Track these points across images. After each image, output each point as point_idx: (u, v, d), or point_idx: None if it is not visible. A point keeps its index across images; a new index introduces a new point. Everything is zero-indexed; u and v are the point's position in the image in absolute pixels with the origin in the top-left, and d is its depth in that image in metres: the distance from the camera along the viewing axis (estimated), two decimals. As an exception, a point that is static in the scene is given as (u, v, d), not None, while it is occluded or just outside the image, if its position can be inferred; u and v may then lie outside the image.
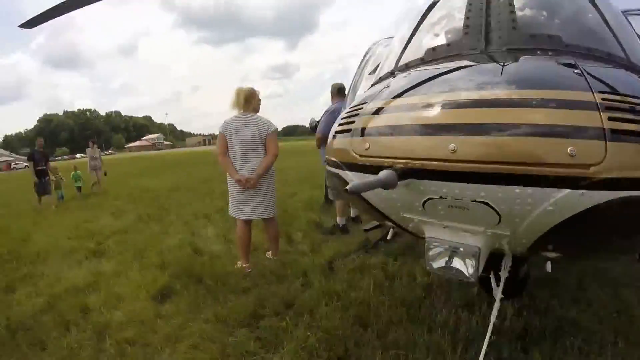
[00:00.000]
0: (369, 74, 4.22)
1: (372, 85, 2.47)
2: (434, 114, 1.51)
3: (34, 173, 10.49)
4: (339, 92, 5.57)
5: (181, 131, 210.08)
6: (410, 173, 1.48)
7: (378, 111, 1.75)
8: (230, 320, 3.25)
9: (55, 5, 3.84)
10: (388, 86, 1.93)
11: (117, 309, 3.67)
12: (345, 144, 1.81)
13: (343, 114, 2.12)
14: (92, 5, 3.99)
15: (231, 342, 2.93)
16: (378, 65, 3.98)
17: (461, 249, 1.63)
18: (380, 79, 2.39)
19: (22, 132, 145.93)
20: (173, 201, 9.94)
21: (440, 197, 1.50)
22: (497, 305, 2.21)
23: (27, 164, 11.39)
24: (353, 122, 1.83)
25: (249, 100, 4.15)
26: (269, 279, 4.03)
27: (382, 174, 1.42)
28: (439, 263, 1.71)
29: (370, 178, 1.52)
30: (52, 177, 11.00)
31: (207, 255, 4.92)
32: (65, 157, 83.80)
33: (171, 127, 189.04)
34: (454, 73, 1.76)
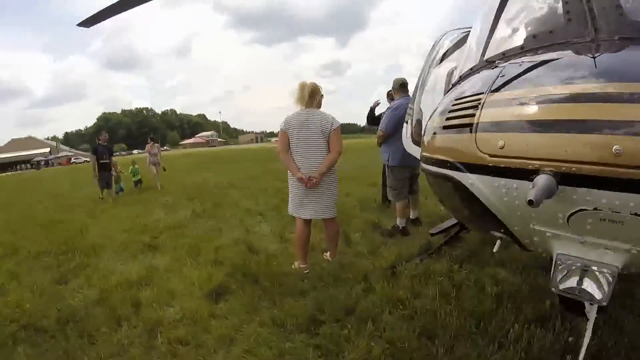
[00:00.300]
0: (437, 66, 3.96)
1: (462, 77, 2.15)
2: (588, 108, 1.24)
3: (97, 167, 10.66)
4: (401, 87, 5.30)
5: (234, 129, 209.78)
6: (563, 179, 1.22)
7: (508, 103, 1.44)
8: (288, 325, 3.07)
9: (111, 5, 4.01)
10: (502, 75, 1.61)
11: (170, 305, 3.62)
12: (465, 141, 1.52)
13: (447, 107, 1.82)
14: (145, 5, 4.13)
15: (288, 349, 2.76)
16: (445, 56, 3.70)
17: (596, 268, 1.37)
18: (474, 70, 2.05)
19: (82, 129, 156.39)
20: (227, 198, 9.90)
21: (595, 209, 1.24)
22: (590, 326, 1.84)
23: (87, 159, 11.91)
24: (473, 115, 1.52)
25: (313, 96, 3.96)
26: (327, 282, 3.81)
27: (541, 180, 1.20)
28: (568, 283, 1.44)
29: (515, 184, 1.33)
30: (113, 172, 11.42)
31: (262, 254, 4.79)
32: (123, 152, 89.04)
33: (224, 124, 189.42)
34: (580, 62, 1.48)
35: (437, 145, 1.80)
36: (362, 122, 6.38)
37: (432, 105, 4.05)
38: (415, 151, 3.91)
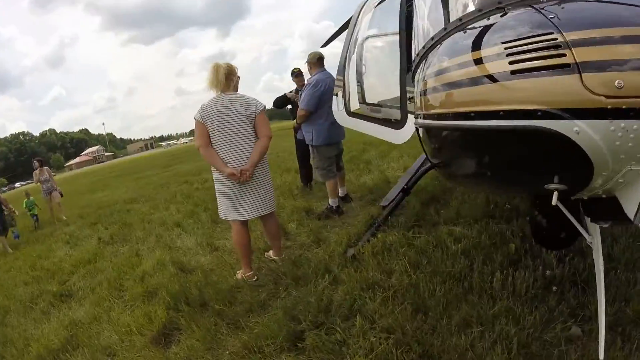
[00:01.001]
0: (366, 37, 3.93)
1: (462, 25, 1.89)
2: None
3: None
4: (319, 61, 4.97)
5: (121, 139, 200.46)
6: None
7: (606, 41, 1.30)
8: (265, 348, 2.62)
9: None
10: (554, 15, 1.42)
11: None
12: (564, 84, 1.31)
13: (497, 51, 1.54)
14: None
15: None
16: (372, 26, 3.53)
17: None
18: (481, 14, 1.80)
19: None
20: (134, 214, 8.67)
21: None
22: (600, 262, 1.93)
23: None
24: (563, 54, 1.31)
25: (229, 78, 3.51)
26: (286, 285, 3.42)
27: None
28: None
29: None
30: (5, 210, 8.83)
31: (197, 271, 4.10)
32: (4, 188, 70.80)
33: (110, 136, 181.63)
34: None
35: (503, 94, 1.49)
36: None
37: (373, 74, 3.84)
38: (352, 123, 3.67)
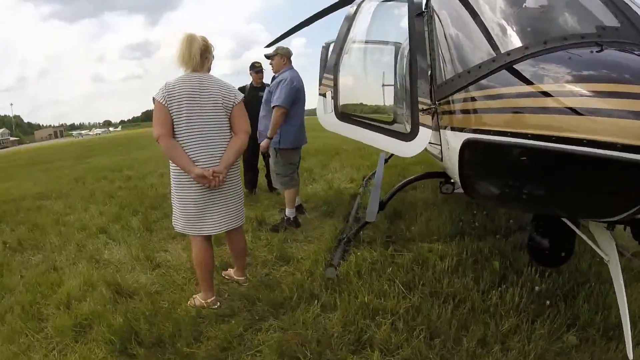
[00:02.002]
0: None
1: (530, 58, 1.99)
2: None
3: None
4: (289, 58, 4.75)
5: (29, 123, 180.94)
6: None
7: None
8: None
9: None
10: None
11: None
12: None
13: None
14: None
15: None
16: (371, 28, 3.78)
17: None
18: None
19: None
20: (46, 213, 6.74)
21: None
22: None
23: None
24: None
25: (205, 55, 2.89)
26: (262, 313, 2.96)
27: None
28: None
29: None
30: None
31: (139, 294, 3.32)
32: None
33: (17, 119, 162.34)
34: None
35: (615, 116, 1.55)
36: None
37: (375, 79, 3.61)
38: (342, 128, 3.39)
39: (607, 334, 2.56)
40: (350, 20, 3.49)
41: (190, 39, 2.81)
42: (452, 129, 2.60)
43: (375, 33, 3.98)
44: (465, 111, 2.44)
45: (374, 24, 3.87)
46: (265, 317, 2.91)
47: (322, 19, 4.77)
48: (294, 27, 5.55)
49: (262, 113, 4.62)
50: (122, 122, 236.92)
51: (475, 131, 2.25)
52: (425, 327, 2.64)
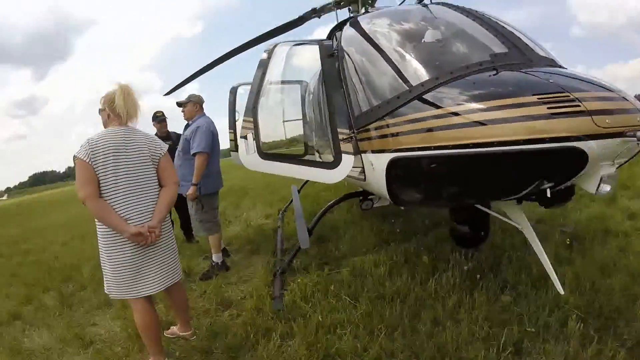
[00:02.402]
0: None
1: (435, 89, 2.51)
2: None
3: None
4: (202, 106, 4.80)
5: None
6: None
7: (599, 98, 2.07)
8: None
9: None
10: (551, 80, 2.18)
11: None
12: (584, 121, 1.99)
13: (529, 99, 2.13)
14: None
15: None
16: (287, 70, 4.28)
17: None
18: (448, 82, 2.48)
19: None
20: None
21: None
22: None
23: None
24: (579, 105, 2.00)
25: (136, 107, 2.76)
26: None
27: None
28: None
29: None
30: None
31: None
32: None
33: None
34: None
35: (547, 128, 2.05)
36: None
37: (293, 117, 3.84)
38: (266, 166, 3.54)
39: (535, 286, 3.10)
40: (264, 64, 3.73)
41: (127, 90, 2.71)
42: (375, 151, 2.95)
43: (289, 74, 4.25)
44: (387, 135, 2.81)
45: (287, 66, 4.16)
46: (239, 356, 2.84)
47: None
48: (194, 73, 5.66)
49: (177, 162, 4.51)
50: (7, 189, 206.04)
51: (398, 151, 2.65)
52: (383, 325, 2.82)
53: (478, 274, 3.36)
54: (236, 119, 5.60)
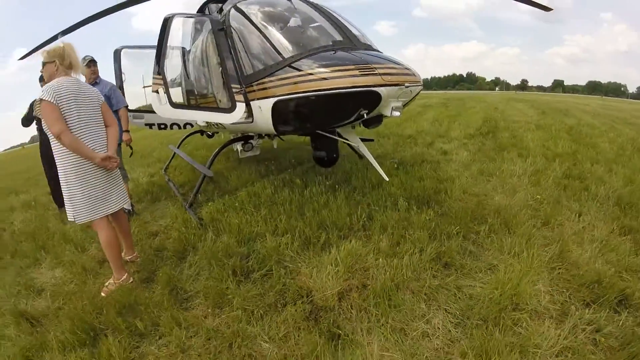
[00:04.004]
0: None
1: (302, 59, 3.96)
2: None
3: None
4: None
5: None
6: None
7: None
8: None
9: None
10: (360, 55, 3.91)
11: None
12: (375, 79, 3.61)
13: (334, 65, 3.77)
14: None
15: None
16: (187, 38, 4.99)
17: None
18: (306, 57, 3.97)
19: None
20: None
21: None
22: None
23: None
24: (372, 70, 3.65)
25: (77, 60, 3.42)
26: (178, 257, 3.87)
27: None
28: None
29: None
30: None
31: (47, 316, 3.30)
32: None
33: None
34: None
35: (360, 81, 3.61)
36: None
37: (193, 74, 4.82)
38: (177, 114, 4.59)
39: (374, 188, 4.95)
40: (163, 33, 4.66)
41: (71, 47, 3.35)
42: (261, 98, 4.26)
43: (183, 41, 5.17)
44: (270, 88, 4.15)
45: (183, 35, 5.08)
46: (185, 256, 3.84)
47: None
48: (56, 35, 5.90)
49: None
50: None
51: (278, 96, 4.03)
52: (282, 216, 4.25)
53: (336, 185, 5.10)
54: (123, 80, 6.26)
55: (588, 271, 3.07)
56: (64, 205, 6.03)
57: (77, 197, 3.34)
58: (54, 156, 3.34)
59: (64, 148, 3.24)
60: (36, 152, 6.12)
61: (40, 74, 5.63)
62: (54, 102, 3.13)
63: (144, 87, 6.78)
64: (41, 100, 3.14)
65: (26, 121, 5.68)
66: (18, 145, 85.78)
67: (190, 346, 2.64)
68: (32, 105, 5.64)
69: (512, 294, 2.76)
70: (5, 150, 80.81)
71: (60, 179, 3.36)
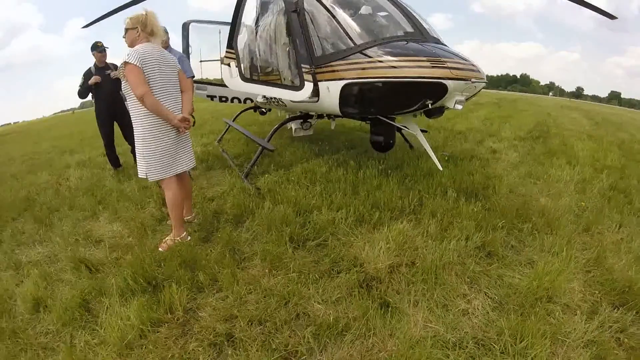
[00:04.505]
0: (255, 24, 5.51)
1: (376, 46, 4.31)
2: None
3: None
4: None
5: None
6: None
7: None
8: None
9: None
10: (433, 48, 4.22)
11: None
12: (443, 71, 3.93)
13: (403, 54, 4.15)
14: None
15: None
16: (262, 16, 5.47)
17: None
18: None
19: None
20: None
21: None
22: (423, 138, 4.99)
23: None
24: (442, 63, 3.97)
25: (159, 28, 3.69)
26: (235, 220, 4.28)
27: None
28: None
29: None
30: None
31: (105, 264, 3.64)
32: None
33: None
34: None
35: (429, 73, 3.94)
36: None
37: (264, 51, 5.21)
38: (247, 87, 4.99)
39: (425, 177, 5.23)
40: (237, 10, 5.06)
41: (152, 15, 3.56)
42: (330, 80, 4.57)
43: (256, 18, 5.52)
44: (340, 71, 4.47)
45: (256, 13, 5.46)
46: (243, 221, 4.25)
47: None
48: (119, 7, 6.30)
49: None
50: None
51: (347, 79, 4.36)
52: (337, 193, 4.63)
53: (389, 171, 5.40)
54: (190, 52, 6.73)
55: (621, 277, 3.27)
56: (119, 165, 6.64)
57: (151, 156, 3.59)
58: (132, 117, 3.58)
59: (144, 109, 3.46)
60: (86, 116, 6.65)
61: (93, 42, 6.05)
62: (140, 65, 3.36)
63: (201, 61, 7.24)
64: (126, 63, 3.35)
65: (83, 92, 6.13)
66: (68, 110, 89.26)
67: (248, 301, 2.92)
68: (86, 75, 6.07)
69: (548, 287, 3.01)
70: (56, 113, 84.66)
71: (136, 138, 3.59)
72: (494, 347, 2.52)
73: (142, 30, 3.55)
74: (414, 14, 4.69)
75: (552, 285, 3.04)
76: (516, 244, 3.80)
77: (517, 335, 2.56)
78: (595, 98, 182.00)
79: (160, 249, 3.70)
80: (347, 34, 4.44)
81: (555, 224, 4.13)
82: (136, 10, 3.70)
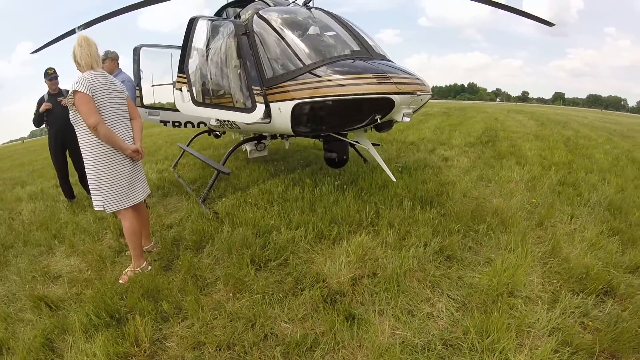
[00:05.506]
0: (204, 48, 5.43)
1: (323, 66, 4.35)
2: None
3: None
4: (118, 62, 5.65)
5: None
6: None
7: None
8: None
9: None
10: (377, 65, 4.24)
11: None
12: (382, 85, 4.00)
13: (349, 71, 4.17)
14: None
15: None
16: (212, 40, 5.48)
17: None
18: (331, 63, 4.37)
19: None
20: None
21: None
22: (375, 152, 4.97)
23: None
24: (388, 79, 4.04)
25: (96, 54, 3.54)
26: (195, 246, 4.19)
27: None
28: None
29: None
30: None
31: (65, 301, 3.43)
32: None
33: None
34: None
35: (376, 89, 3.99)
36: None
37: (216, 75, 5.15)
38: (199, 111, 4.95)
39: (380, 189, 5.32)
40: (188, 35, 5.05)
41: (88, 42, 3.40)
42: (281, 101, 4.61)
43: (206, 42, 5.49)
44: (290, 91, 4.50)
45: (209, 37, 5.42)
46: (203, 246, 4.14)
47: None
48: (66, 32, 6.15)
49: None
50: None
51: (298, 99, 4.39)
52: (295, 211, 4.62)
53: (345, 186, 5.47)
54: (141, 77, 6.61)
55: (577, 265, 3.43)
56: (73, 197, 6.36)
57: (106, 187, 3.50)
58: (82, 147, 3.44)
59: (95, 138, 3.36)
60: (37, 145, 6.40)
61: (45, 69, 5.87)
62: (89, 93, 3.26)
63: (153, 85, 7.15)
64: (75, 91, 3.25)
65: (37, 120, 5.91)
66: (17, 139, 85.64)
67: (214, 326, 2.86)
68: (39, 102, 5.87)
69: (508, 282, 3.12)
70: (4, 144, 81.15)
71: (88, 169, 3.47)
72: (461, 345, 2.57)
73: (79, 66, 3.43)
74: (360, 33, 4.84)
75: (512, 280, 3.15)
76: (473, 245, 3.92)
77: (483, 331, 2.63)
78: (540, 100, 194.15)
79: (120, 281, 3.58)
80: (296, 55, 4.52)
81: (509, 222, 4.29)
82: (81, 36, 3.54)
